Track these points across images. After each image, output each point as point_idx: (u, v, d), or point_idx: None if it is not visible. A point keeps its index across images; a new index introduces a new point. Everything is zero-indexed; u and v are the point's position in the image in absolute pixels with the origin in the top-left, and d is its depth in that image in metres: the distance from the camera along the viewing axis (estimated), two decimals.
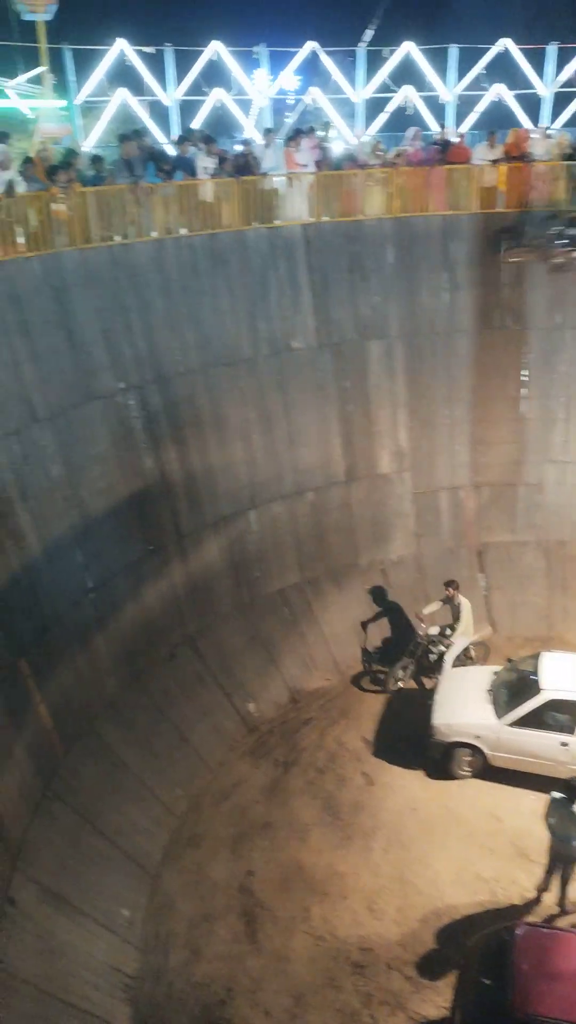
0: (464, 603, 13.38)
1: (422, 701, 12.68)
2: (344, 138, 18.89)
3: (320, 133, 15.81)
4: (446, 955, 9.28)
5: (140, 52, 23.80)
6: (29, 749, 9.92)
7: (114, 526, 12.20)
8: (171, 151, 14.95)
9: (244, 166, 13.96)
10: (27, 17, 20.74)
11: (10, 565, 10.42)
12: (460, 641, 13.33)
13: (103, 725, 11.28)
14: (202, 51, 24.48)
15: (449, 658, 13.13)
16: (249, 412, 14.20)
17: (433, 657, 13.56)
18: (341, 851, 10.66)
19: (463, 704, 11.97)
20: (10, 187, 11.08)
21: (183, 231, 13.30)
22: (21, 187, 11.36)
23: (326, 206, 14.61)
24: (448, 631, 13.54)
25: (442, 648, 13.43)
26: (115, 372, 12.42)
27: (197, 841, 10.90)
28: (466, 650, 13.48)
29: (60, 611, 11.10)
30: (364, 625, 14.60)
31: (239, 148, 14.93)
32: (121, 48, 23.36)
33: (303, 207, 14.46)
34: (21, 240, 11.36)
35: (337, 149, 16.22)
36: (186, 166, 13.57)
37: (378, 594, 15.06)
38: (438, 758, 11.84)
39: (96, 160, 12.95)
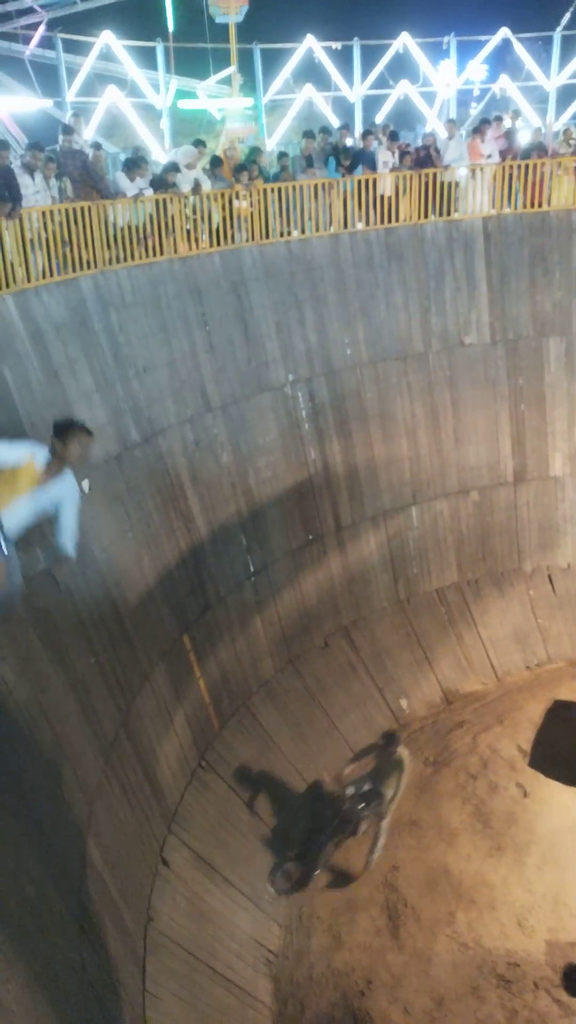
0: (407, 757, 9.91)
1: None
2: (532, 126, 18.15)
3: (507, 123, 15.24)
4: None
5: (327, 48, 24.06)
6: (188, 720, 10.40)
7: (277, 514, 12.49)
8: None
9: (425, 159, 13.77)
10: (220, 20, 21.57)
11: (179, 545, 10.94)
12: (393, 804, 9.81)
13: (256, 704, 11.61)
14: (390, 44, 24.36)
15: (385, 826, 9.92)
16: (416, 407, 14.03)
17: (364, 828, 9.91)
18: (491, 860, 10.33)
19: None
20: (196, 185, 11.58)
21: (359, 225, 13.34)
22: (206, 185, 11.85)
23: (509, 197, 14.12)
24: (379, 791, 9.71)
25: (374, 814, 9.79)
26: (286, 364, 12.69)
27: None
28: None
29: (223, 592, 11.52)
30: (251, 804, 10.51)
31: (421, 141, 14.74)
32: (309, 45, 23.72)
33: (484, 199, 14.06)
34: (204, 237, 11.87)
35: (525, 138, 15.58)
36: (367, 160, 13.59)
37: (245, 776, 10.74)
38: None
39: (281, 156, 13.26)
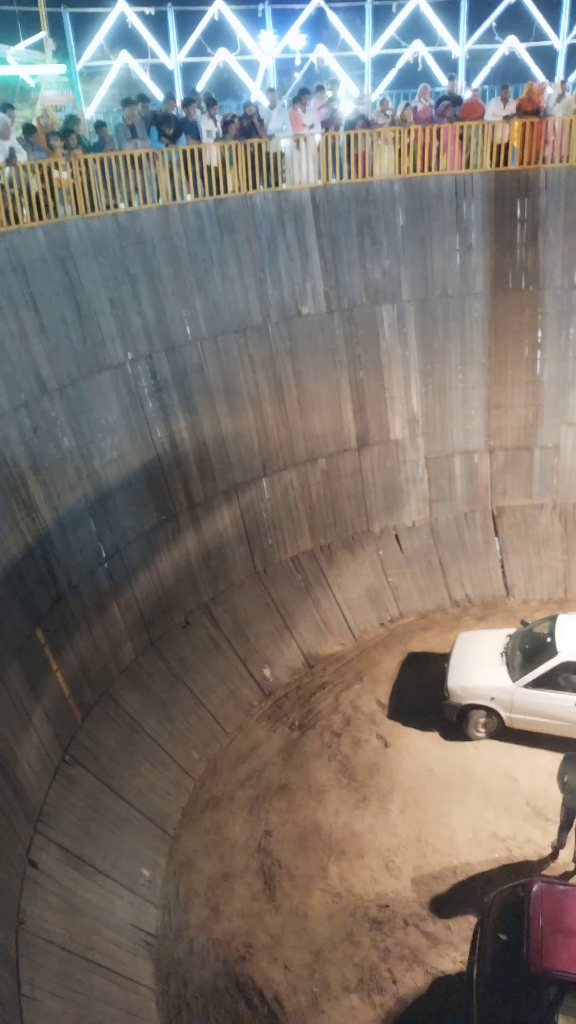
0: None
1: (436, 664, 12.71)
2: (352, 97, 18.49)
3: (328, 93, 15.43)
4: (463, 911, 9.42)
5: (141, 14, 23.33)
6: (47, 715, 10.09)
7: (126, 496, 12.25)
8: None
9: (249, 128, 13.71)
10: None
11: (24, 536, 10.50)
12: None
13: (120, 691, 11.44)
14: (205, 11, 23.97)
15: None
16: (260, 379, 14.12)
17: None
18: (358, 811, 10.79)
19: (477, 667, 11.99)
20: (11, 155, 10.96)
21: (188, 197, 13.13)
22: (22, 156, 11.23)
23: (334, 168, 14.35)
24: None
25: None
26: (124, 342, 12.37)
27: (215, 803, 11.08)
28: None
29: (75, 580, 11.20)
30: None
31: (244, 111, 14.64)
32: (121, 10, 22.92)
33: (310, 169, 14.20)
34: (24, 210, 11.27)
35: (345, 109, 15.85)
36: (190, 130, 13.35)
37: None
38: (453, 720, 11.91)
39: (99, 126, 12.77)
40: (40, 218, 11.36)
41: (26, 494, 10.71)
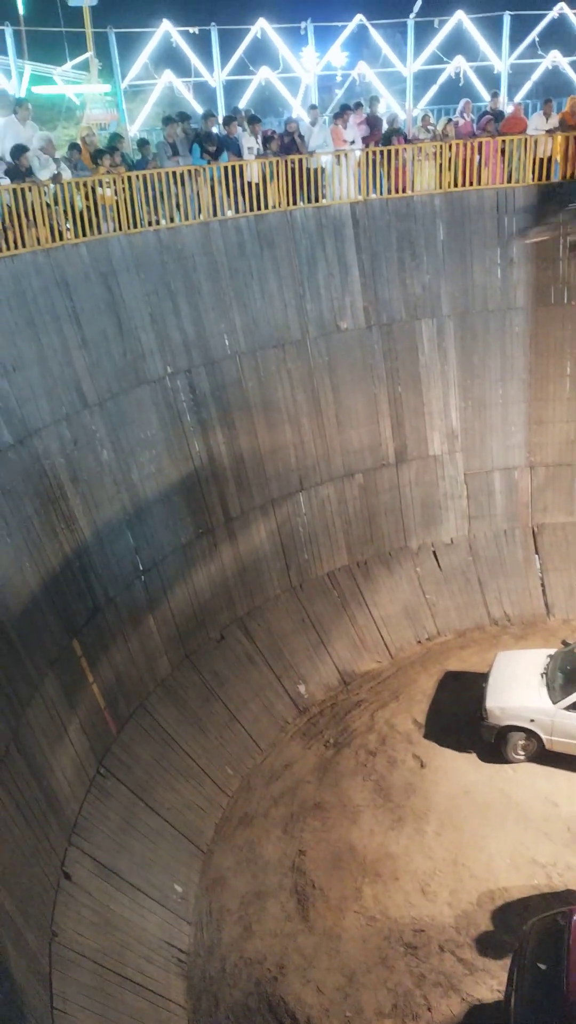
0: None
1: (474, 684, 12.50)
2: (393, 112, 18.54)
3: (367, 109, 15.48)
4: (500, 939, 9.19)
5: (184, 33, 23.71)
6: (83, 727, 10.12)
7: (164, 509, 12.31)
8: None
9: (290, 145, 13.80)
10: (73, 3, 20.85)
11: (62, 548, 10.59)
12: None
13: (155, 705, 11.44)
14: (248, 29, 24.29)
15: None
16: (298, 394, 14.12)
17: None
18: (393, 833, 10.62)
19: (517, 687, 11.76)
20: (56, 174, 11.14)
21: (229, 213, 13.24)
22: (67, 174, 11.42)
23: (374, 183, 14.37)
24: None
25: None
26: (163, 356, 12.48)
27: (248, 820, 11.00)
28: None
29: (112, 593, 11.26)
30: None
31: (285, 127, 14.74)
32: (166, 30, 23.30)
33: (351, 185, 14.24)
34: (68, 226, 11.45)
35: (385, 124, 15.89)
36: (232, 147, 13.48)
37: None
38: (492, 742, 11.68)
39: (142, 144, 12.95)
40: (84, 235, 11.54)
41: (65, 506, 10.82)
